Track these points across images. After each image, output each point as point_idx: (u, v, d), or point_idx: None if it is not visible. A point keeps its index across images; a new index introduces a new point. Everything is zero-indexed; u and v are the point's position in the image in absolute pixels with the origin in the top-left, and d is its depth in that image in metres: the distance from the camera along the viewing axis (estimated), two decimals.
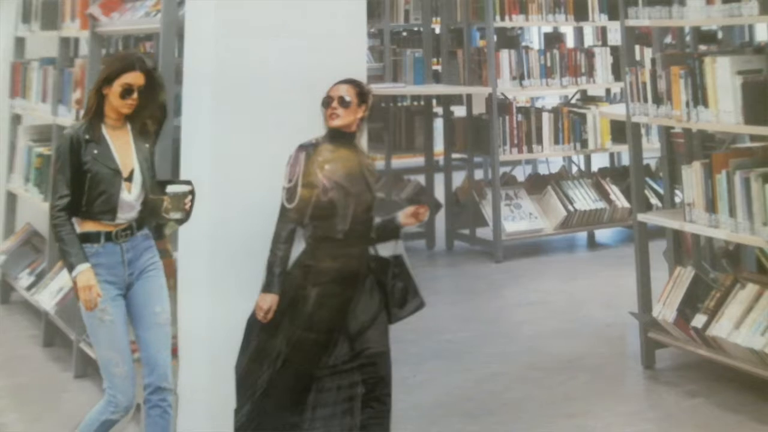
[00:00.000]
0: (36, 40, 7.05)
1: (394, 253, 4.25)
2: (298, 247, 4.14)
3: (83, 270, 3.82)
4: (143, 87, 3.94)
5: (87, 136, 3.92)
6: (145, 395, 3.97)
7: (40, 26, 6.85)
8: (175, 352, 4.18)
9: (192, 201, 4.01)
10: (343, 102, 4.11)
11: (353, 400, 4.09)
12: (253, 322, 4.11)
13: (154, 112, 4.02)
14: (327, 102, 4.13)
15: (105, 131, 3.96)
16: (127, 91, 3.92)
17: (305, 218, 4.08)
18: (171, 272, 4.29)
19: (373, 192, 4.20)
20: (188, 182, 4.05)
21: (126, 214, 3.94)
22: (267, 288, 4.09)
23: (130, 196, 3.93)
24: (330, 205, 4.06)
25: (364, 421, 4.09)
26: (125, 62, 3.95)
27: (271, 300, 4.07)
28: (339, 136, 4.13)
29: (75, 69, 5.98)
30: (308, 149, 4.09)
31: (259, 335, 4.10)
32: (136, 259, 3.97)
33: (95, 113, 3.96)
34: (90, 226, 3.92)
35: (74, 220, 3.90)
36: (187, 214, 4.02)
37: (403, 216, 4.21)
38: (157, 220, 4.06)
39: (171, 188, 4.01)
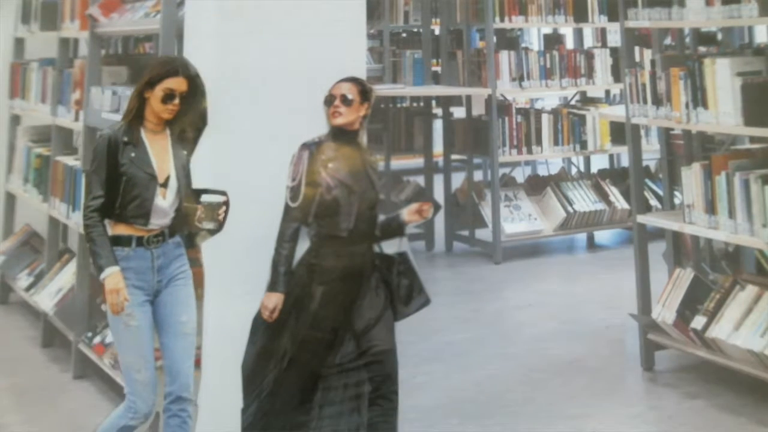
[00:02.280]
0: (35, 40, 7.05)
1: (399, 251, 4.25)
2: (303, 246, 4.13)
3: (112, 273, 3.78)
4: (185, 93, 3.90)
5: (125, 139, 3.87)
6: (165, 404, 3.93)
7: (39, 27, 6.84)
8: (198, 363, 4.14)
9: (226, 212, 3.98)
10: (345, 100, 4.12)
11: (360, 399, 4.09)
12: (258, 322, 4.10)
13: (194, 119, 3.97)
14: (329, 100, 4.13)
15: (144, 135, 3.92)
16: (169, 96, 3.87)
17: (309, 217, 4.09)
18: (200, 282, 4.24)
19: (377, 189, 4.21)
20: (223, 193, 4.01)
21: (159, 220, 3.90)
22: (272, 287, 4.08)
23: (165, 202, 3.89)
24: (334, 204, 4.07)
25: (372, 419, 4.09)
26: (169, 67, 3.91)
27: (276, 299, 4.07)
28: (342, 135, 4.13)
29: (74, 70, 5.97)
30: (311, 148, 4.10)
31: (264, 334, 4.10)
32: (166, 266, 3.93)
33: (135, 116, 3.91)
34: (122, 230, 3.87)
35: (106, 222, 3.86)
36: (221, 225, 3.99)
37: (408, 213, 4.21)
38: (190, 229, 4.01)
39: (206, 197, 3.98)
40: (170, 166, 3.92)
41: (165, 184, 3.90)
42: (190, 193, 3.97)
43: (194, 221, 3.97)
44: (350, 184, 4.08)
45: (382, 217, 4.22)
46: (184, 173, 3.96)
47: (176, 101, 3.89)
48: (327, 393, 4.08)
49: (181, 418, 3.92)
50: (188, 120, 3.97)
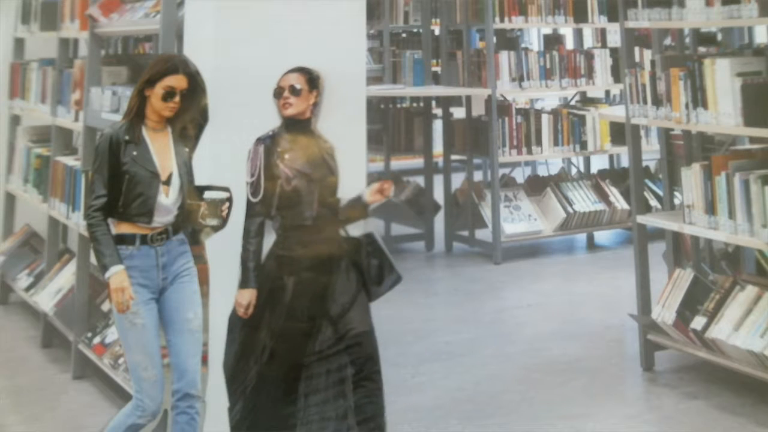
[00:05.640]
0: (35, 40, 7.05)
1: (365, 232, 4.27)
2: (270, 239, 4.14)
3: (117, 272, 3.79)
4: (186, 90, 3.91)
5: (127, 137, 3.88)
6: (173, 401, 3.93)
7: (39, 27, 6.84)
8: (205, 360, 4.15)
9: (229, 208, 3.99)
10: (294, 90, 4.14)
11: (344, 383, 4.10)
12: (234, 320, 4.11)
13: (195, 116, 3.98)
14: (278, 92, 4.16)
15: (145, 133, 3.93)
16: (169, 94, 3.88)
17: (272, 210, 4.10)
18: (204, 278, 4.24)
19: (336, 175, 4.21)
20: (226, 189, 4.01)
21: (162, 218, 3.90)
22: (243, 284, 4.10)
23: (168, 200, 3.90)
24: (295, 194, 4.09)
25: (358, 401, 4.10)
26: (169, 64, 3.91)
27: (249, 295, 4.08)
28: (295, 125, 4.16)
29: (74, 70, 5.97)
30: (266, 141, 4.12)
31: (242, 332, 4.11)
32: (170, 264, 3.93)
33: (136, 114, 3.92)
34: (125, 228, 3.88)
35: (110, 221, 3.87)
36: (224, 221, 3.99)
37: (369, 193, 4.21)
38: (193, 226, 4.02)
39: (208, 194, 3.98)
40: (172, 163, 3.93)
41: (167, 182, 3.91)
42: (192, 190, 3.98)
43: (197, 218, 3.97)
44: (309, 173, 4.11)
45: (344, 201, 4.24)
46: (187, 170, 3.97)
47: (177, 99, 3.90)
48: (310, 381, 4.09)
49: (189, 414, 3.93)
50: (189, 117, 3.98)
